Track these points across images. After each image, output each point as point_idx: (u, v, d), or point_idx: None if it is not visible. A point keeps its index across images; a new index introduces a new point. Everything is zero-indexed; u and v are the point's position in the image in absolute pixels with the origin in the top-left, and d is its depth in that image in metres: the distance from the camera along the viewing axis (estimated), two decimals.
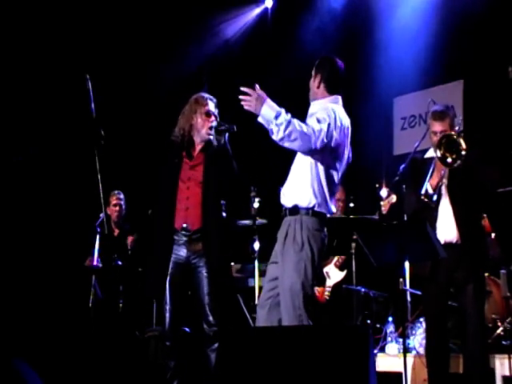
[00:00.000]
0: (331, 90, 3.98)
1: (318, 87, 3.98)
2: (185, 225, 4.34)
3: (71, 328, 5.79)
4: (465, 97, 6.78)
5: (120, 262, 5.90)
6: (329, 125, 3.70)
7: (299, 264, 3.74)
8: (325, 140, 3.67)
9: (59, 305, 6.20)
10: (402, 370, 4.00)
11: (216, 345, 4.22)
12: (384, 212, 4.58)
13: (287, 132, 3.58)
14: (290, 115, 3.64)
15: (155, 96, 7.45)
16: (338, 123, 3.80)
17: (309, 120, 3.81)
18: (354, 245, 5.64)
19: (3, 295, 5.93)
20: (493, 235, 5.18)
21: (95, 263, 5.83)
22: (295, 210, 3.82)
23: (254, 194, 5.65)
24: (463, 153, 4.04)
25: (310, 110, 3.98)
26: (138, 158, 7.10)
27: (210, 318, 4.27)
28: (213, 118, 4.46)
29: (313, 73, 4.03)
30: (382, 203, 4.67)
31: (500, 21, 6.25)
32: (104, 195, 6.14)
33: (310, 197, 3.80)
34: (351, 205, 5.90)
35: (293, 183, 3.91)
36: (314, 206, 3.80)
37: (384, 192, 5.39)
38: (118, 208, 6.31)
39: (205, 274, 4.32)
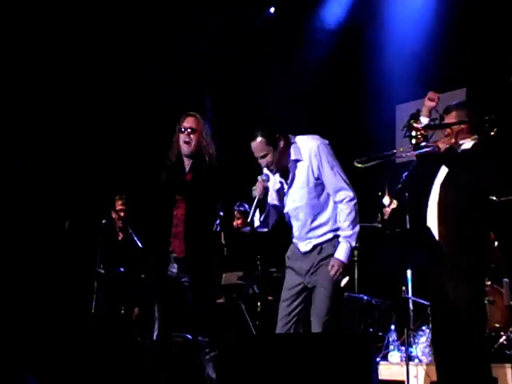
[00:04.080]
0: (288, 138, 4.01)
1: (287, 145, 3.98)
2: (174, 255, 4.35)
3: (73, 334, 5.78)
4: None
5: (122, 269, 5.90)
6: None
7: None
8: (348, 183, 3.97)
9: (61, 311, 6.19)
10: (405, 379, 3.99)
11: (207, 351, 4.21)
12: (385, 217, 4.58)
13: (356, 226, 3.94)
14: (349, 229, 3.90)
15: (156, 103, 7.48)
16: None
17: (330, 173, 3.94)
18: (356, 252, 5.63)
19: (5, 301, 5.92)
20: (495, 244, 5.16)
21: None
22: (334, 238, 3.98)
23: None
24: (412, 141, 4.05)
25: (311, 161, 3.97)
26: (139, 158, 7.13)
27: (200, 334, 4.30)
28: (184, 135, 4.36)
29: (271, 151, 3.94)
30: (384, 211, 4.67)
31: (503, 29, 6.27)
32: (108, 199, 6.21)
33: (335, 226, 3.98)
34: None
35: (319, 222, 3.99)
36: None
37: (386, 200, 5.40)
38: (122, 213, 6.29)
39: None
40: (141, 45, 7.38)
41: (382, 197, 5.46)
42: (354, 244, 3.90)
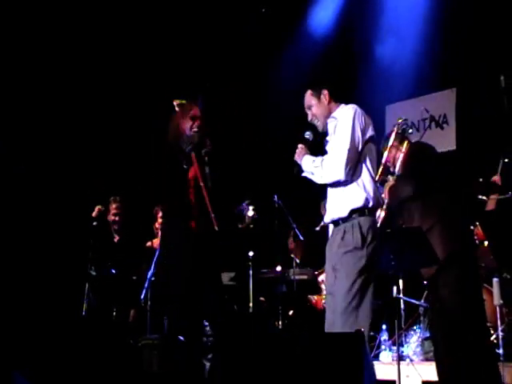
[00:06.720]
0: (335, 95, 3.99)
1: (331, 101, 3.94)
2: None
3: (64, 336, 5.76)
4: (457, 105, 6.82)
5: (114, 271, 5.89)
6: None
7: (359, 262, 3.61)
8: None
9: (53, 313, 6.17)
10: (396, 378, 4.00)
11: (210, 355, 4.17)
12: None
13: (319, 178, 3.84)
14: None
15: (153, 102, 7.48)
16: None
17: None
18: None
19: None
20: (485, 243, 5.19)
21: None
22: (350, 215, 3.68)
23: (248, 202, 5.64)
24: None
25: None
26: (133, 161, 7.12)
27: (208, 327, 4.19)
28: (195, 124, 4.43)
29: (315, 103, 3.93)
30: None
31: (492, 30, 6.31)
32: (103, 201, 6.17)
33: (363, 195, 3.69)
34: None
35: (339, 191, 3.76)
36: (368, 204, 3.70)
37: None
38: (118, 217, 6.25)
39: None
40: (131, 43, 7.39)
41: None
42: (308, 173, 3.79)
